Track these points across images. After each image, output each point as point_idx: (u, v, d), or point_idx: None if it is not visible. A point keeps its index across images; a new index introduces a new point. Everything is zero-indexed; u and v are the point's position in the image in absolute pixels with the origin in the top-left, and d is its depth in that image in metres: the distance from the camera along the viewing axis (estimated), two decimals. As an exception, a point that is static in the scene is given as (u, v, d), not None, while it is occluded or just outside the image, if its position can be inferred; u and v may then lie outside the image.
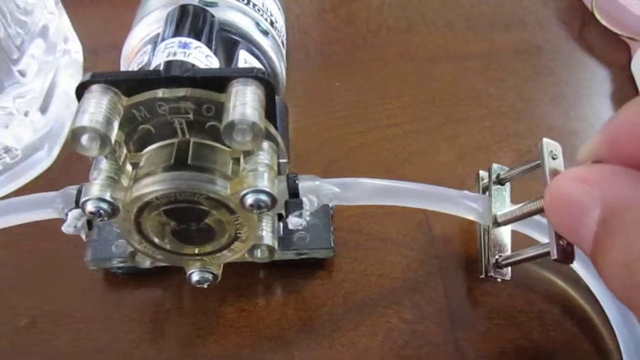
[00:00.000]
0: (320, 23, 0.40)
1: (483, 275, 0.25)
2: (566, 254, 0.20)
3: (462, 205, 0.24)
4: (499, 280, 0.24)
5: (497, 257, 0.24)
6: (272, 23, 0.27)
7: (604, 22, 0.38)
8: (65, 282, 0.27)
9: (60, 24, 0.31)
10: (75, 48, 0.34)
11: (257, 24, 0.26)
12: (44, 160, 0.30)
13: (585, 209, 0.16)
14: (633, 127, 0.17)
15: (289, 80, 0.35)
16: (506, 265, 0.24)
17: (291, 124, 0.33)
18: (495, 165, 0.26)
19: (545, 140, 0.22)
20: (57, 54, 0.31)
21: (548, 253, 0.20)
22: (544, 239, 0.24)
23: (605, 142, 0.18)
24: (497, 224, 0.24)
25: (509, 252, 0.24)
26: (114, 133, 0.19)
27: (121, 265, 0.26)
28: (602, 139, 0.18)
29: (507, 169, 0.25)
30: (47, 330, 0.25)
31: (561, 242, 0.20)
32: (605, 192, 0.16)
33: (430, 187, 0.23)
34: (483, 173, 0.27)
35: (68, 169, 0.31)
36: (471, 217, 0.24)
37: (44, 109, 0.30)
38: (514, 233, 0.25)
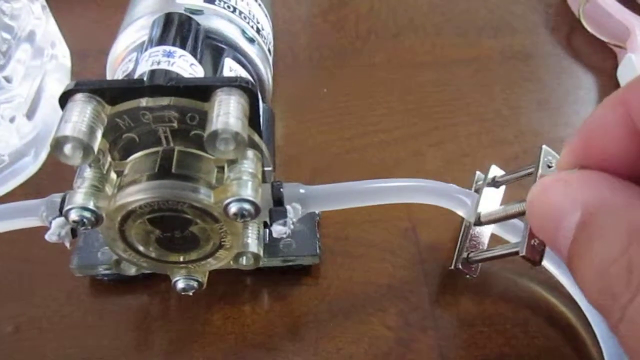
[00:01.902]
0: (309, 28, 0.40)
1: (452, 267, 0.25)
2: (535, 254, 0.20)
3: (451, 198, 0.24)
4: (467, 276, 0.25)
5: (469, 252, 0.25)
6: (258, 30, 0.27)
7: (590, 30, 0.38)
8: (50, 289, 0.27)
9: (48, 28, 0.31)
10: (63, 52, 0.34)
11: (243, 32, 0.26)
12: (30, 166, 0.30)
13: (565, 212, 0.16)
14: (605, 122, 0.17)
15: (276, 85, 0.35)
16: (476, 262, 0.25)
17: (278, 130, 0.34)
18: (493, 167, 0.26)
19: (545, 148, 0.22)
20: (44, 59, 0.31)
21: (517, 253, 0.21)
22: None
23: (581, 142, 0.18)
24: (479, 222, 0.24)
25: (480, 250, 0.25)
26: (97, 142, 0.19)
27: (107, 272, 0.26)
28: (578, 141, 0.18)
29: (503, 172, 0.26)
30: (32, 337, 0.25)
31: (532, 242, 0.20)
32: (587, 195, 0.16)
33: (420, 181, 0.24)
34: (480, 174, 0.27)
35: (55, 174, 0.31)
36: (459, 212, 0.24)
37: (30, 114, 0.29)
38: (495, 237, 0.25)
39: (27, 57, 0.29)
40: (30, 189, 0.30)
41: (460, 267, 0.25)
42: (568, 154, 0.18)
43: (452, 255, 0.27)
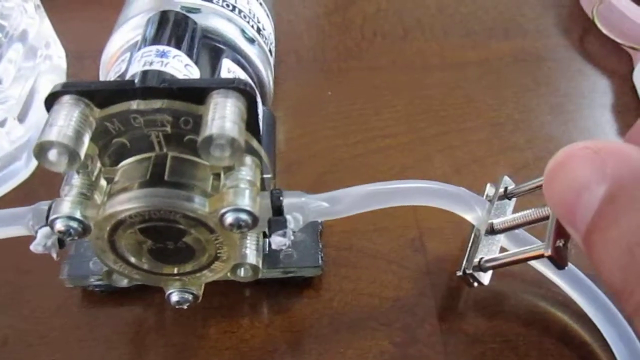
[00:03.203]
0: (314, 30, 0.39)
1: (460, 273, 0.23)
2: (560, 256, 0.19)
3: (462, 203, 0.23)
4: (475, 284, 0.23)
5: (481, 257, 0.23)
6: (259, 30, 0.26)
7: (605, 31, 0.37)
8: (40, 300, 0.26)
9: (41, 28, 0.30)
10: (58, 53, 0.33)
11: (243, 31, 0.24)
12: (22, 171, 0.29)
13: (590, 182, 0.15)
14: None
15: (279, 88, 0.34)
16: (489, 268, 0.23)
17: (281, 134, 0.32)
18: (506, 178, 0.25)
19: None
20: (38, 60, 0.30)
21: (541, 255, 0.19)
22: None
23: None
24: (492, 231, 0.23)
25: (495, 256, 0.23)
26: (84, 148, 0.18)
27: (99, 282, 0.25)
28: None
29: (514, 184, 0.24)
30: (20, 351, 0.24)
31: (558, 243, 0.19)
32: (618, 167, 0.14)
33: (427, 183, 0.22)
34: (490, 188, 0.26)
35: (48, 180, 0.29)
36: (468, 217, 0.23)
37: (22, 117, 0.28)
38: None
39: (19, 58, 0.28)
40: (22, 195, 0.29)
41: (471, 271, 0.23)
42: None
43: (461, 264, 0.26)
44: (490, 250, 0.23)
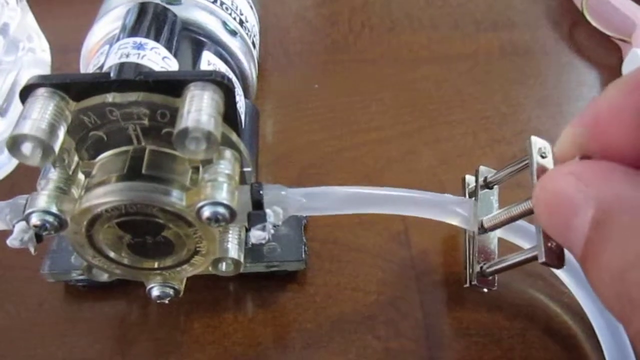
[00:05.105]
0: (301, 22, 0.39)
1: (467, 285, 0.23)
2: (555, 258, 0.19)
3: (445, 210, 0.22)
4: (484, 290, 0.23)
5: (482, 264, 0.23)
6: (241, 22, 0.26)
7: (594, 23, 0.37)
8: (21, 295, 0.25)
9: (24, 21, 0.30)
10: (42, 47, 0.32)
11: (225, 24, 0.24)
12: (5, 165, 0.29)
13: (577, 209, 0.14)
14: (617, 107, 0.15)
15: (266, 81, 0.33)
16: (491, 273, 0.23)
17: (267, 127, 0.32)
18: (482, 168, 0.24)
19: (534, 138, 0.21)
20: (20, 53, 0.29)
21: (535, 257, 0.19)
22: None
23: (586, 126, 0.16)
24: (483, 229, 0.23)
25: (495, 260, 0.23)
26: (59, 141, 0.17)
27: (81, 277, 0.24)
28: (581, 124, 0.16)
29: (494, 171, 0.24)
30: (2, 346, 0.24)
31: (550, 245, 0.19)
32: (601, 191, 0.14)
33: (409, 192, 0.22)
34: (470, 178, 0.25)
35: (32, 175, 0.29)
36: (455, 223, 0.23)
37: (4, 111, 0.28)
38: (502, 241, 0.24)
39: (0, 51, 0.28)
40: (5, 190, 0.29)
41: (476, 283, 0.22)
42: (569, 138, 0.17)
43: (445, 265, 0.26)
44: (489, 249, 0.23)
